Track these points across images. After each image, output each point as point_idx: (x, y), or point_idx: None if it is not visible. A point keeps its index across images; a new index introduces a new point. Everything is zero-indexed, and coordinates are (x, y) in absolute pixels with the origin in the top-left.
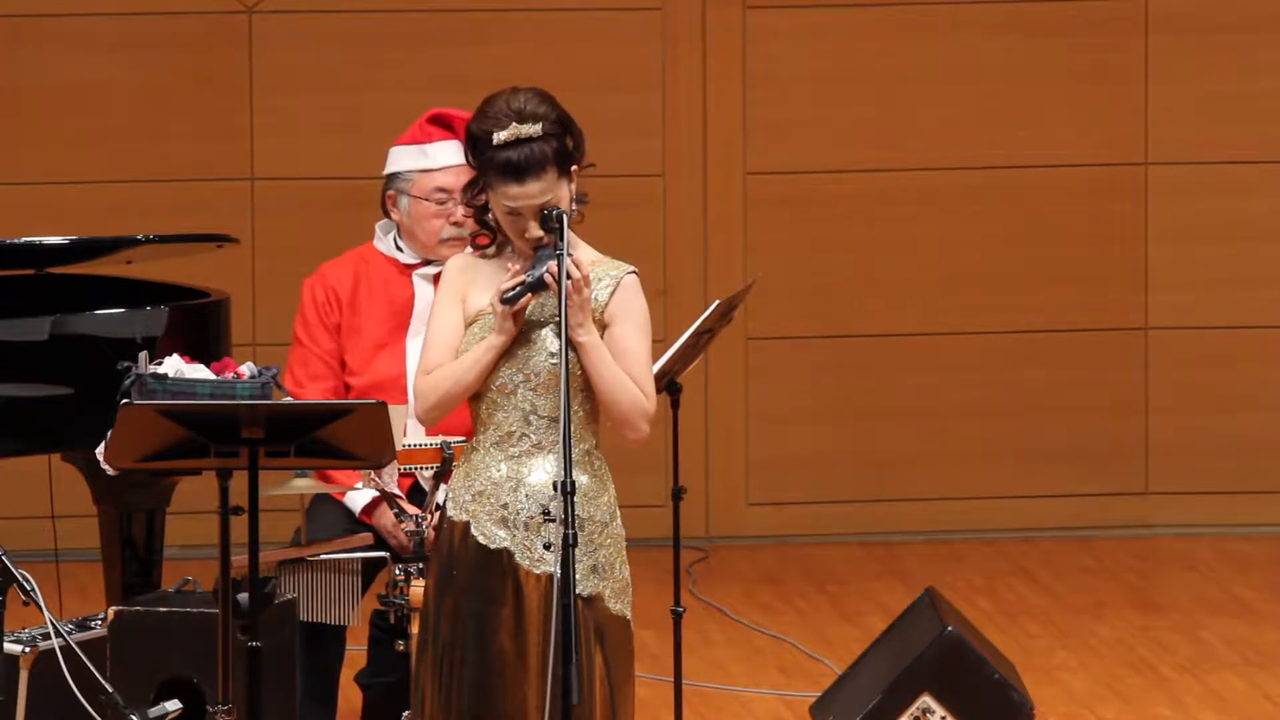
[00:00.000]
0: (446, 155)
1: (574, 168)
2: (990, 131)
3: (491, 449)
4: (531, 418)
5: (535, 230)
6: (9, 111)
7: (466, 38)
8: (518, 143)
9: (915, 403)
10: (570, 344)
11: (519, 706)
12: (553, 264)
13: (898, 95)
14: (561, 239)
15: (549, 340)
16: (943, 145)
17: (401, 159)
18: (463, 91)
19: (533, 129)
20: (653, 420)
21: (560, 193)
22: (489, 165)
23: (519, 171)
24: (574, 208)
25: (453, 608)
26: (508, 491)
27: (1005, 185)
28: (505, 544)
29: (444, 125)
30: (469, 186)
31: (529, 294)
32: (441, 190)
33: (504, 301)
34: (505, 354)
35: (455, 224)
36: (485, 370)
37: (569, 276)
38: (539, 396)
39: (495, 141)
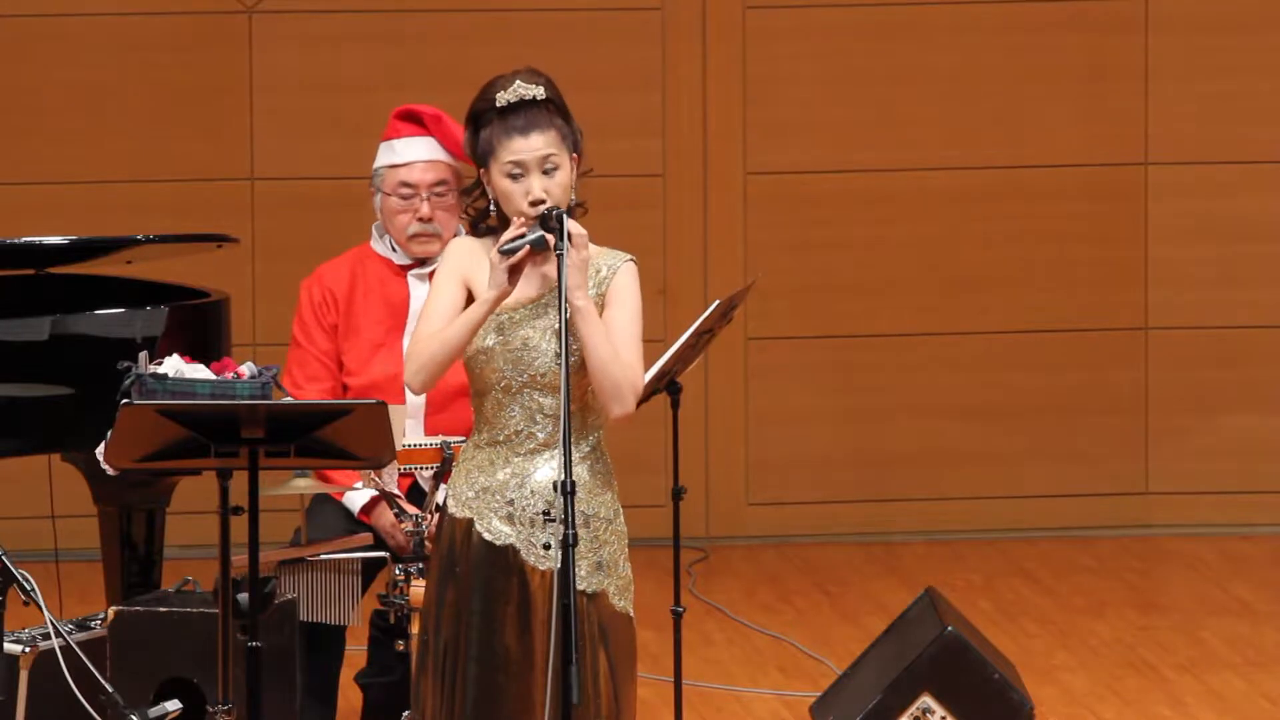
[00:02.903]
0: (412, 151)
1: (574, 155)
2: (990, 131)
3: (496, 447)
4: (537, 416)
5: (538, 190)
6: (10, 111)
7: (466, 38)
8: (521, 103)
9: (915, 403)
10: (569, 334)
11: (525, 705)
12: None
13: (898, 95)
14: (561, 239)
15: (553, 340)
16: (943, 145)
17: (378, 156)
18: (463, 91)
19: (535, 90)
20: (639, 394)
21: (563, 161)
22: (493, 132)
23: (523, 126)
24: (573, 200)
25: (455, 605)
26: (513, 488)
27: (1005, 185)
28: (510, 540)
29: (412, 120)
30: (466, 191)
31: (527, 246)
32: (406, 185)
33: (502, 252)
34: (510, 354)
35: (421, 220)
36: (476, 326)
37: (569, 234)
38: (544, 395)
39: (498, 104)
